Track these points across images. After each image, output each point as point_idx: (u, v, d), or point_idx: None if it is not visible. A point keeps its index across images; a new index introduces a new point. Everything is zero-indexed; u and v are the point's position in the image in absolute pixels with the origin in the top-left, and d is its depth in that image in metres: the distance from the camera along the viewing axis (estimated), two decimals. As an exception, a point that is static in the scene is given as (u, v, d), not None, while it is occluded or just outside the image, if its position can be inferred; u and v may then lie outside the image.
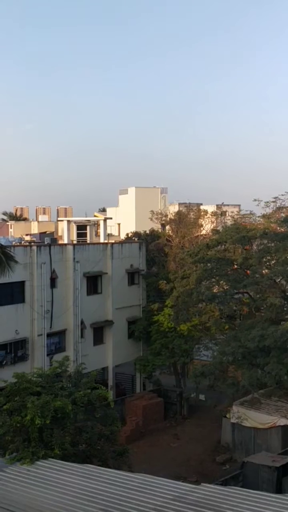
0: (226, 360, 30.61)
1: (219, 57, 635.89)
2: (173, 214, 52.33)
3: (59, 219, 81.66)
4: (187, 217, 49.05)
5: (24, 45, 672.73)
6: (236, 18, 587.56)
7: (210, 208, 57.22)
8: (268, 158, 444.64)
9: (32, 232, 68.20)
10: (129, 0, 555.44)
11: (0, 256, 21.44)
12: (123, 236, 62.65)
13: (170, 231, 50.17)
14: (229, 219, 45.58)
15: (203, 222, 48.77)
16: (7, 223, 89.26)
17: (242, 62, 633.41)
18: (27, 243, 39.49)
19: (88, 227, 48.04)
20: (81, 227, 47.66)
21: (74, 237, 46.46)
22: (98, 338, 40.36)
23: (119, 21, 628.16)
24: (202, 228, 48.27)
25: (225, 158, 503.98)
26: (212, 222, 49.28)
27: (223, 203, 68.60)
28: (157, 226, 53.77)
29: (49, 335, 36.28)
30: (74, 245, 39.66)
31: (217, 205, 65.04)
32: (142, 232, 52.80)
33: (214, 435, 34.62)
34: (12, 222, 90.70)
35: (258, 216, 37.65)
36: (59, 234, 57.69)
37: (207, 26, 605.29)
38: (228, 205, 69.68)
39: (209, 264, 34.01)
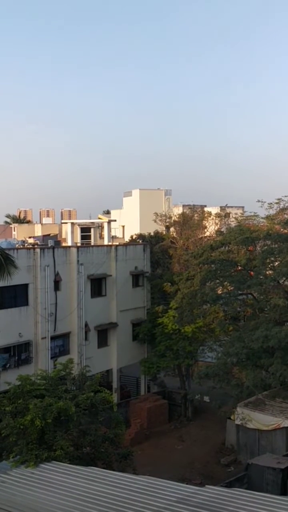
0: (230, 361, 30.55)
1: (221, 59, 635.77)
2: (177, 216, 52.35)
3: (63, 221, 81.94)
4: (191, 219, 49.07)
5: (25, 46, 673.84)
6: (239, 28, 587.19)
7: (214, 210, 57.22)
8: (272, 160, 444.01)
9: (35, 235, 68.32)
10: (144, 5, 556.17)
11: (0, 259, 21.38)
12: (127, 238, 62.74)
13: (174, 233, 50.18)
14: (233, 221, 45.49)
15: (207, 224, 48.80)
16: (11, 225, 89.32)
17: (245, 61, 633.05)
18: (31, 246, 39.47)
19: (92, 230, 48.05)
20: (85, 230, 47.66)
21: (78, 239, 46.45)
22: (103, 340, 40.34)
23: (121, 22, 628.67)
24: (206, 230, 48.30)
25: (229, 160, 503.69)
26: (216, 224, 49.29)
27: (227, 204, 68.42)
28: (161, 228, 53.83)
29: (53, 338, 36.25)
30: (78, 247, 39.64)
31: (221, 207, 64.94)
32: (146, 234, 52.85)
33: (219, 437, 34.56)
34: (16, 224, 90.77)
35: (262, 218, 37.53)
36: (63, 236, 57.84)
37: (199, 29, 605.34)
38: (232, 206, 69.67)
39: (213, 266, 33.96)
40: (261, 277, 32.08)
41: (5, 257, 21.88)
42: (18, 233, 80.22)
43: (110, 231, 47.25)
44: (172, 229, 51.53)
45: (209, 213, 50.32)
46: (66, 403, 19.67)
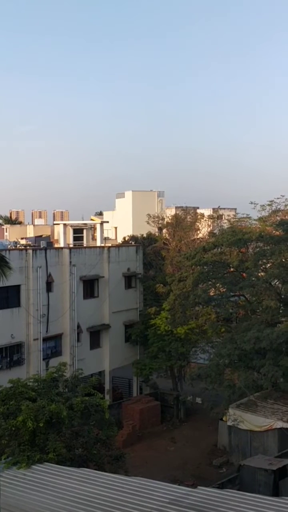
0: (223, 363, 30.61)
1: (212, 58, 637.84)
2: (170, 218, 52.40)
3: (55, 222, 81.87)
4: (184, 221, 49.11)
5: (23, 49, 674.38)
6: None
7: (207, 212, 57.44)
8: (265, 163, 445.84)
9: (27, 236, 68.27)
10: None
11: None
12: (120, 240, 62.77)
13: (167, 235, 50.19)
14: (225, 223, 45.64)
15: (199, 226, 48.84)
16: (3, 226, 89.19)
17: (235, 60, 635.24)
18: (23, 247, 39.39)
19: (84, 231, 48.01)
20: (78, 231, 47.62)
21: (71, 240, 46.41)
22: (95, 342, 40.29)
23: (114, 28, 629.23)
24: (198, 232, 48.34)
25: (222, 162, 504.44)
26: (209, 226, 49.36)
27: (219, 206, 68.59)
28: (154, 230, 53.86)
29: (45, 339, 36.18)
30: (70, 248, 39.59)
31: (213, 209, 65.10)
32: (139, 235, 52.86)
33: (211, 438, 34.58)
34: (8, 225, 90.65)
35: (254, 219, 37.68)
36: (55, 237, 57.74)
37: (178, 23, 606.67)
38: (224, 208, 69.85)
39: (205, 267, 34.06)
40: (253, 278, 32.20)
41: (0, 258, 21.77)
42: (10, 234, 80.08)
43: (103, 233, 47.22)
44: (164, 230, 51.55)
45: (202, 215, 50.41)
46: (58, 406, 19.64)
